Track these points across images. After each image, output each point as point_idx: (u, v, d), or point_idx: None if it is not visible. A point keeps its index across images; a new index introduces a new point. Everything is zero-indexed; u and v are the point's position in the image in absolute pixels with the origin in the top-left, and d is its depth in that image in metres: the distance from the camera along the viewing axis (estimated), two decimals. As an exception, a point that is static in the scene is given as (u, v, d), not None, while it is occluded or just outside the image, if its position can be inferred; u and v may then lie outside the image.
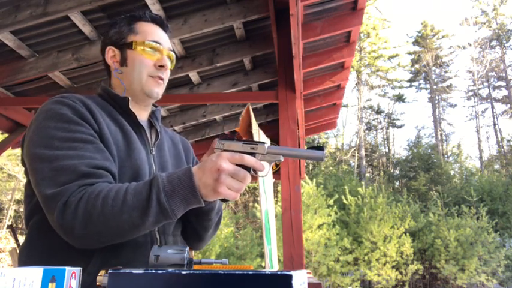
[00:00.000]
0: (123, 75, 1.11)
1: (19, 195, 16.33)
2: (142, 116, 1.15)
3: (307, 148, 0.94)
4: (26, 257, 0.99)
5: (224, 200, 1.01)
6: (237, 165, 0.88)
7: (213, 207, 1.11)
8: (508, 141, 26.29)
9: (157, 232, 1.03)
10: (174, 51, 1.28)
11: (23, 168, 1.04)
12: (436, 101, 28.65)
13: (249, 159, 0.89)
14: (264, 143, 0.94)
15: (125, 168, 1.01)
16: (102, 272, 0.64)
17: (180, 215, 0.90)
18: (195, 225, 1.15)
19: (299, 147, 4.52)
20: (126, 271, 0.63)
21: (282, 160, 0.94)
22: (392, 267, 11.78)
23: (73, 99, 1.01)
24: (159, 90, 1.13)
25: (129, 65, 1.11)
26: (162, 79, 1.13)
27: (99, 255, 0.93)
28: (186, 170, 0.90)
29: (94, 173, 0.91)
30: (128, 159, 1.02)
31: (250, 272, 0.61)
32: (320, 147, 0.93)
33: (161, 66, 1.11)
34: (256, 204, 15.68)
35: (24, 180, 14.99)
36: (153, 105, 1.21)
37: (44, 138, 0.94)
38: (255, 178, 1.05)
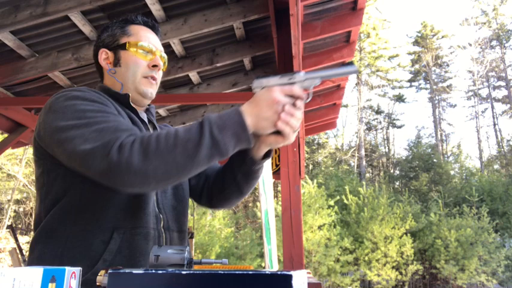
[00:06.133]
0: (116, 74, 1.14)
1: (19, 195, 16.32)
2: (140, 113, 1.19)
3: (340, 66, 0.99)
4: (42, 245, 0.99)
5: (267, 155, 1.07)
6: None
7: (262, 166, 1.13)
8: (508, 141, 26.29)
9: (162, 227, 1.06)
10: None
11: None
12: (436, 101, 28.66)
13: (296, 89, 0.93)
14: (299, 71, 0.98)
15: None
16: (102, 272, 0.64)
17: (231, 152, 0.90)
18: (242, 183, 1.16)
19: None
20: (126, 271, 0.63)
21: (319, 83, 0.98)
22: (393, 267, 11.78)
23: (86, 89, 1.04)
24: (152, 90, 1.16)
25: (123, 65, 1.13)
26: (155, 79, 1.16)
27: (115, 242, 0.96)
28: (234, 108, 0.92)
29: (136, 132, 0.94)
30: None
31: (250, 272, 0.61)
32: (350, 63, 0.98)
33: (154, 66, 1.14)
34: (257, 204, 15.69)
35: (24, 180, 15.03)
36: None
37: (74, 113, 0.94)
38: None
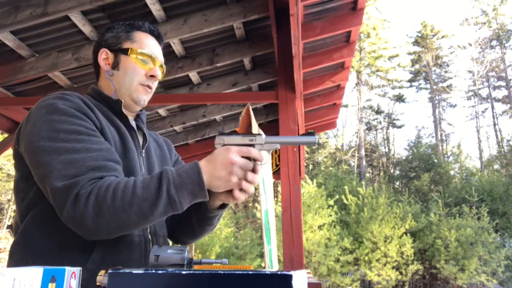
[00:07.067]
0: (113, 77, 1.13)
1: (19, 195, 16.29)
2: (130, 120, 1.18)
3: (300, 135, 1.02)
4: (21, 253, 0.98)
5: (223, 207, 1.09)
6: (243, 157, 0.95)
7: (217, 215, 1.13)
8: (508, 141, 26.28)
9: (149, 233, 1.06)
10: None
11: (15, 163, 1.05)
12: (436, 101, 28.65)
13: (254, 151, 0.96)
14: (260, 134, 1.01)
15: (120, 167, 1.02)
16: (102, 272, 0.64)
17: (186, 207, 0.92)
18: (196, 227, 1.18)
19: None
20: (126, 271, 0.63)
21: (279, 148, 1.01)
22: (393, 267, 11.78)
23: (74, 96, 1.02)
24: (146, 98, 1.16)
25: (121, 70, 1.13)
26: (150, 88, 1.16)
27: (98, 252, 0.95)
28: (193, 164, 0.93)
29: (104, 165, 0.93)
30: (124, 159, 1.04)
31: (250, 272, 0.61)
32: (311, 133, 1.01)
33: (152, 76, 1.15)
34: (256, 204, 15.69)
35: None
36: None
37: (49, 132, 0.94)
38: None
